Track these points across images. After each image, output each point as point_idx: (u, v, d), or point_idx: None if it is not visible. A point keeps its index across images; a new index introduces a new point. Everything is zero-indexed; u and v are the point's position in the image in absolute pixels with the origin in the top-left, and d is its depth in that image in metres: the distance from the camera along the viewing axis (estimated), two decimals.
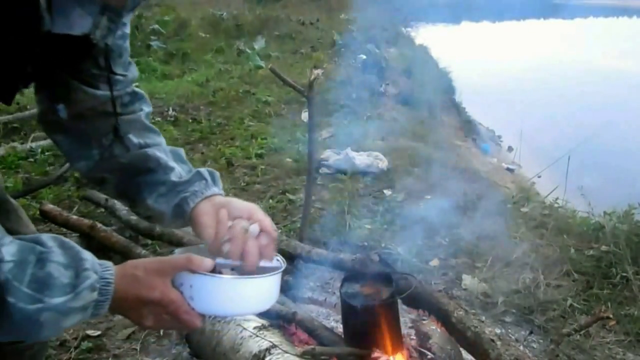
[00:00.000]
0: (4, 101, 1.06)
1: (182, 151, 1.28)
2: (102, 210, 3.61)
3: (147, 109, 1.28)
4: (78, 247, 0.90)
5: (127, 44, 1.19)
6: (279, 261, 1.11)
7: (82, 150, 1.23)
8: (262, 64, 9.04)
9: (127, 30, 1.18)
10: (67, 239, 0.90)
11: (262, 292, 1.03)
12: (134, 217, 3.30)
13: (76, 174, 4.23)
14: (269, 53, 10.47)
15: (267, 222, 1.10)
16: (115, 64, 1.16)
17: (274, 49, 11.12)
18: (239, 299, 0.99)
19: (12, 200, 1.38)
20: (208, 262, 0.97)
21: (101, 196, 3.65)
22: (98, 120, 1.20)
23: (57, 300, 0.83)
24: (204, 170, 1.21)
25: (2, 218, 1.06)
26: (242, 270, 1.06)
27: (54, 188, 3.98)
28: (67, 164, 4.28)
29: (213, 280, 0.97)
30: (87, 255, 0.90)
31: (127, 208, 3.44)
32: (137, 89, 1.27)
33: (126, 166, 1.21)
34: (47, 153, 4.70)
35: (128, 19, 1.16)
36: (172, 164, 1.22)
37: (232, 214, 1.10)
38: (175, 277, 0.96)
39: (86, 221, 3.17)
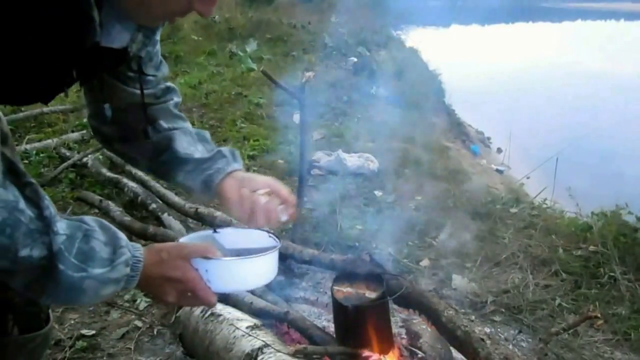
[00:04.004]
0: (43, 101, 1.17)
1: (206, 133, 1.45)
2: (96, 211, 3.62)
3: (176, 99, 1.45)
4: (115, 228, 1.03)
5: (157, 47, 1.34)
6: (272, 238, 1.27)
7: (123, 137, 1.40)
8: (254, 66, 9.03)
9: (157, 37, 1.33)
10: (105, 221, 1.03)
11: (268, 267, 1.18)
12: (127, 218, 3.32)
13: (70, 176, 4.25)
14: (261, 56, 10.47)
15: (283, 191, 1.30)
16: (147, 67, 1.33)
17: (265, 51, 11.12)
18: (248, 275, 1.15)
19: None
20: (219, 252, 1.13)
21: (95, 197, 3.66)
22: (136, 112, 1.35)
23: (98, 270, 0.96)
24: (224, 148, 1.39)
25: None
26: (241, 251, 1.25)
27: (48, 189, 3.96)
28: (62, 166, 4.30)
29: (227, 262, 1.13)
30: (123, 235, 1.03)
31: (120, 209, 3.46)
32: (169, 84, 1.44)
33: (155, 145, 1.38)
34: (41, 155, 4.68)
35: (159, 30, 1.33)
36: (195, 145, 1.38)
37: (253, 188, 1.29)
38: (192, 262, 1.09)
39: None
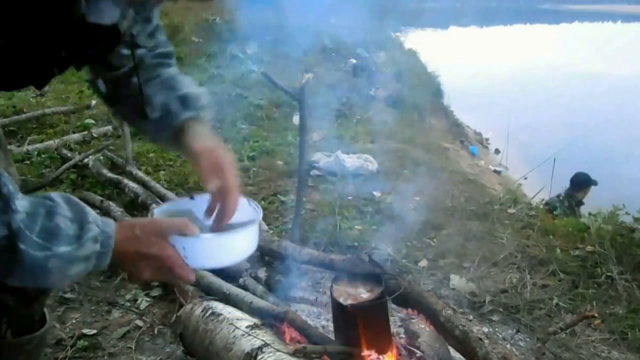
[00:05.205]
0: (36, 85, 1.14)
1: (172, 75, 1.39)
2: (98, 211, 3.63)
3: (169, 69, 1.40)
4: (83, 204, 0.98)
5: (152, 18, 1.30)
6: (253, 207, 1.24)
7: (114, 103, 1.39)
8: (254, 68, 9.06)
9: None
10: (73, 197, 0.98)
11: (247, 242, 1.15)
12: (128, 218, 3.33)
13: (72, 177, 4.26)
14: (261, 57, 10.49)
15: (232, 200, 1.21)
16: (139, 38, 1.28)
17: (266, 53, 11.14)
18: (227, 251, 1.12)
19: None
20: (197, 229, 1.08)
21: (96, 197, 3.67)
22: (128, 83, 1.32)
23: (64, 249, 0.91)
24: (175, 98, 1.33)
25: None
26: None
27: (50, 190, 3.97)
28: (63, 166, 4.32)
29: (205, 240, 1.10)
30: (91, 210, 0.98)
31: (121, 209, 3.47)
32: (160, 50, 1.38)
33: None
34: (43, 155, 4.71)
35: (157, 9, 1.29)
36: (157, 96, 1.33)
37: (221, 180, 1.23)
38: (169, 240, 1.06)
39: None
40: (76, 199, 0.98)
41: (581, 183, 5.88)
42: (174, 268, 1.05)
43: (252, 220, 1.18)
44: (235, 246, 1.13)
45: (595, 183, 5.91)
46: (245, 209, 1.24)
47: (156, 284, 2.86)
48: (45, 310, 1.37)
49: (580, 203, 5.77)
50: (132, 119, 1.42)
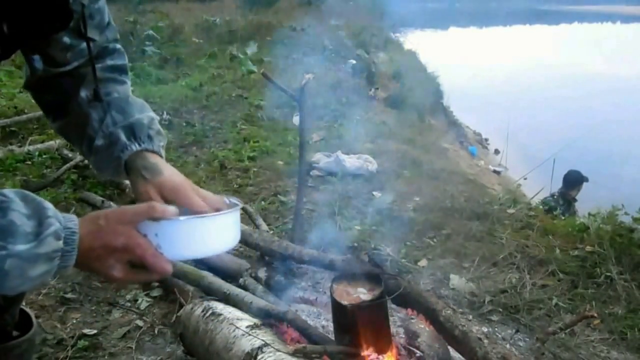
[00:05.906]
0: None
1: (123, 98, 1.23)
2: None
3: (110, 62, 1.26)
4: (40, 198, 0.87)
5: (100, 4, 1.18)
6: (231, 202, 1.11)
7: (60, 116, 1.25)
8: (254, 68, 9.07)
9: None
10: (29, 192, 0.87)
11: (229, 229, 1.02)
12: None
13: (72, 177, 4.26)
14: (261, 58, 10.49)
15: (194, 202, 1.08)
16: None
17: (265, 54, 11.15)
18: (208, 238, 0.99)
19: None
20: (172, 208, 0.96)
21: (97, 198, 3.68)
22: (71, 77, 1.20)
23: (21, 247, 0.81)
24: (122, 127, 1.18)
25: None
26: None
27: (51, 190, 3.99)
28: (64, 167, 4.33)
29: (181, 223, 0.95)
30: (50, 205, 0.87)
31: None
32: (108, 45, 1.26)
33: (74, 124, 1.23)
34: (44, 156, 4.72)
35: None
36: (101, 124, 1.20)
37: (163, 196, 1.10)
38: (138, 228, 0.94)
39: None
40: (33, 195, 0.86)
41: (574, 181, 5.97)
42: (145, 257, 0.91)
43: (233, 205, 1.07)
44: (217, 232, 0.99)
45: (586, 180, 6.00)
46: (225, 205, 1.10)
47: (156, 284, 2.87)
48: (31, 314, 1.33)
49: (574, 200, 5.85)
50: (75, 141, 1.27)
